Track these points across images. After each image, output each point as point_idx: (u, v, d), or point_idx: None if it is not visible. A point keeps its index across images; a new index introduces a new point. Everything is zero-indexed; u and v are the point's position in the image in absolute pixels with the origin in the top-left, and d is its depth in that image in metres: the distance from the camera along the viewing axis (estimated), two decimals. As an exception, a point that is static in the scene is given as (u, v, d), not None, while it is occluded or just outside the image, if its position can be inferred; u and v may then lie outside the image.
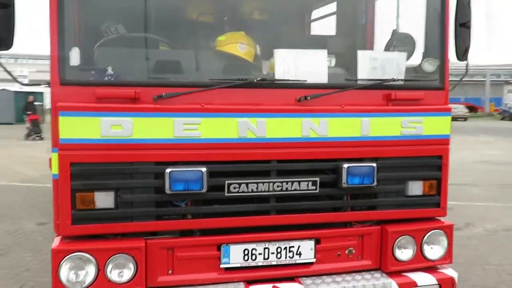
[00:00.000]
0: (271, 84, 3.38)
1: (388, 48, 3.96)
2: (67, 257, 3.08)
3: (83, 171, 3.09)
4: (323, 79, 3.48)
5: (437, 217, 3.82)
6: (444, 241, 3.74)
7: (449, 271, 3.77)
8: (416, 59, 3.88)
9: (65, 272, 3.08)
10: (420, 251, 3.69)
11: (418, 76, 3.81)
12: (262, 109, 3.31)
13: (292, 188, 3.40)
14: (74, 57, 3.15)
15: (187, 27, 3.71)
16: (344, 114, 3.46)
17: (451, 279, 3.72)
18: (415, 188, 3.70)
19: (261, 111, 3.31)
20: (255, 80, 3.31)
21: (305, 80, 3.40)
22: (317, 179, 3.43)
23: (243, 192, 3.31)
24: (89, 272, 3.12)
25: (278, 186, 3.37)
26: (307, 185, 3.42)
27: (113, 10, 3.55)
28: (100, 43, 3.39)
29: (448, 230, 3.76)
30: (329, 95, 3.42)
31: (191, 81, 3.30)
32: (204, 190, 3.18)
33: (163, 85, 3.21)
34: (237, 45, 3.48)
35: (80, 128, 3.06)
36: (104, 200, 3.15)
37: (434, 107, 3.65)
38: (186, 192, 3.18)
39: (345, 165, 3.42)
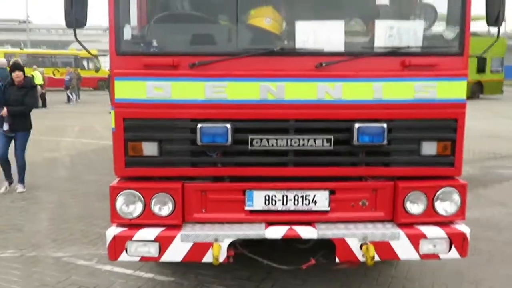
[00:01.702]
0: (291, 52, 3.86)
1: (410, 16, 4.20)
2: (121, 193, 3.89)
3: (133, 124, 3.85)
4: (340, 47, 3.88)
5: (451, 176, 4.06)
6: (456, 198, 3.98)
7: (461, 227, 4.03)
8: (439, 26, 4.12)
9: (120, 204, 3.90)
10: (431, 206, 3.98)
11: (440, 43, 4.04)
12: (281, 74, 3.81)
13: (308, 144, 3.88)
14: (127, 32, 3.89)
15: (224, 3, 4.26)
16: (357, 79, 3.83)
17: (462, 234, 3.98)
18: (429, 148, 3.97)
19: (280, 76, 3.81)
20: (275, 49, 3.81)
21: (323, 49, 3.83)
22: (331, 136, 3.87)
23: (264, 146, 3.86)
24: (137, 206, 3.91)
25: (295, 142, 3.87)
26: (322, 142, 3.88)
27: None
28: (150, 22, 4.09)
29: (461, 189, 3.99)
30: (348, 61, 3.82)
31: (221, 51, 3.89)
32: (229, 143, 3.80)
33: (197, 54, 3.83)
34: (263, 19, 3.99)
35: (130, 90, 3.81)
36: (149, 148, 3.89)
37: (447, 72, 3.88)
38: (214, 144, 3.82)
39: (356, 125, 3.82)
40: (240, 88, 3.81)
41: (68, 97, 28.10)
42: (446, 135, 3.96)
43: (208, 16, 4.16)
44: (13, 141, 8.18)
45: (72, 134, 15.68)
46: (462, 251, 4.01)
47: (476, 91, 30.51)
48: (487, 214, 7.09)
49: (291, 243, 4.19)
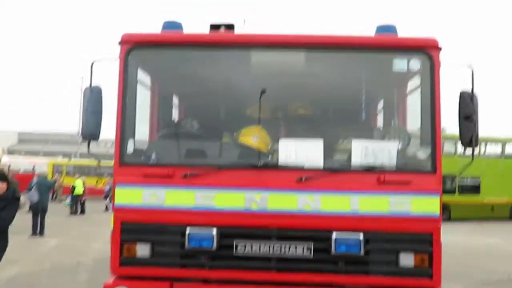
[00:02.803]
0: (274, 166, 4.28)
1: (386, 138, 4.60)
2: (114, 291, 4.19)
3: (129, 228, 4.25)
4: (319, 163, 4.27)
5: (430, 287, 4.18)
6: None
7: None
8: (413, 147, 4.49)
9: (112, 302, 4.18)
10: (410, 320, 4.08)
11: (414, 162, 4.39)
12: (264, 186, 4.20)
13: (290, 252, 4.15)
14: (130, 147, 4.44)
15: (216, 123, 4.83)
16: (335, 192, 4.17)
17: None
18: (407, 259, 4.16)
19: (264, 188, 4.19)
20: (258, 165, 4.24)
21: (303, 165, 4.24)
22: (311, 245, 4.14)
23: (248, 252, 4.15)
24: (129, 306, 4.17)
25: (277, 249, 4.15)
26: (302, 250, 4.14)
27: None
28: (150, 140, 4.67)
29: (440, 302, 4.10)
30: (327, 176, 4.19)
31: (211, 164, 4.35)
32: (214, 248, 4.11)
33: (191, 166, 4.29)
34: (251, 137, 4.48)
35: (129, 196, 4.26)
36: (142, 250, 4.24)
37: (421, 188, 4.17)
38: (201, 248, 4.14)
39: (334, 235, 4.09)
40: (227, 198, 4.20)
41: (106, 206, 29.06)
42: (423, 248, 4.15)
43: (203, 133, 4.70)
44: None
45: (103, 239, 16.11)
46: None
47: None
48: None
49: None
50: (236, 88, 4.79)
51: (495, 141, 26.83)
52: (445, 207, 24.96)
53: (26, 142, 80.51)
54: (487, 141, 25.91)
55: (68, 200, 23.67)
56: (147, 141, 4.84)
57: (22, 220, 16.66)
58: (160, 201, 4.23)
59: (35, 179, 15.62)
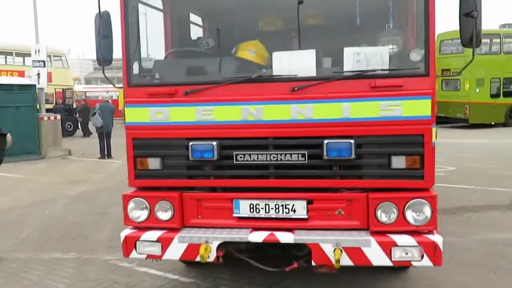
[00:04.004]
0: (269, 79, 4.44)
1: (380, 42, 4.56)
2: (131, 200, 4.67)
3: (140, 143, 4.64)
4: (312, 73, 4.38)
5: (423, 188, 4.32)
6: (426, 209, 4.23)
7: (433, 236, 4.25)
8: (406, 49, 4.47)
9: (130, 210, 4.67)
10: (403, 216, 4.26)
11: (406, 65, 4.38)
12: (259, 98, 4.39)
13: (285, 159, 4.39)
14: (136, 68, 4.74)
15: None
16: (326, 100, 4.29)
17: (433, 243, 4.21)
18: (398, 162, 4.28)
19: (258, 100, 4.39)
20: (253, 77, 4.42)
21: (296, 75, 4.37)
22: (305, 152, 4.36)
23: (247, 160, 4.44)
24: (144, 212, 4.65)
25: (274, 157, 4.40)
26: (297, 156, 4.37)
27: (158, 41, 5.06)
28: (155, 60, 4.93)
29: (431, 200, 4.24)
30: (319, 85, 4.31)
31: (210, 80, 4.57)
32: (216, 158, 4.43)
33: (191, 83, 4.54)
34: (247, 51, 4.62)
35: (137, 115, 4.61)
36: (153, 163, 4.65)
37: (411, 92, 4.20)
38: (203, 159, 4.47)
39: (326, 141, 4.27)
40: (225, 111, 4.45)
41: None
42: (414, 149, 4.25)
43: (210, 51, 4.90)
44: None
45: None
46: (435, 260, 4.22)
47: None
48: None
49: (288, 250, 4.67)
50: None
51: None
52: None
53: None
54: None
55: None
56: (154, 61, 5.10)
57: (94, 144, 18.07)
58: (165, 118, 4.55)
59: (97, 105, 16.54)
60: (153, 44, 5.16)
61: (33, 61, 17.63)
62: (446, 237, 6.29)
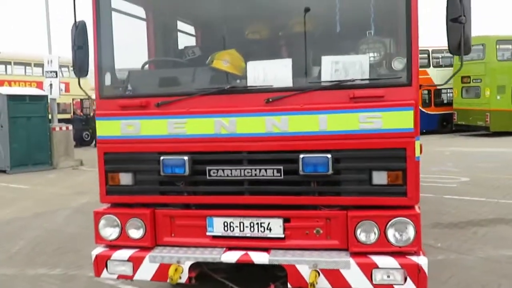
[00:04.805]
0: (243, 90, 4.21)
1: (360, 51, 4.29)
2: (102, 217, 4.48)
3: (111, 158, 4.45)
4: (288, 83, 4.14)
5: (406, 206, 4.02)
6: (409, 228, 3.94)
7: (418, 258, 3.95)
8: (387, 58, 4.19)
9: (101, 227, 4.48)
10: (384, 236, 3.98)
11: (388, 75, 4.11)
12: (232, 110, 4.16)
13: (260, 174, 4.15)
14: (107, 79, 4.56)
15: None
16: (302, 112, 4.04)
17: (417, 265, 3.91)
18: (380, 177, 4.00)
19: (232, 112, 4.16)
20: (226, 88, 4.19)
21: (272, 85, 4.13)
22: (281, 167, 4.11)
23: (220, 176, 4.21)
24: (115, 229, 4.45)
25: (248, 172, 4.16)
26: (273, 172, 4.12)
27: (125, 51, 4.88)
28: (129, 70, 4.74)
29: (415, 219, 3.94)
30: (295, 96, 4.07)
31: (183, 91, 4.36)
32: (187, 173, 4.21)
33: (163, 95, 4.34)
34: (221, 61, 4.40)
35: (108, 128, 4.43)
36: (125, 178, 4.45)
37: (391, 103, 3.92)
38: (174, 174, 4.26)
39: (301, 156, 4.02)
40: (197, 124, 4.23)
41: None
42: (396, 164, 3.97)
43: (175, 61, 4.69)
44: None
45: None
46: (419, 283, 3.92)
47: None
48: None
49: (270, 271, 4.42)
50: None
51: None
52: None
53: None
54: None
55: None
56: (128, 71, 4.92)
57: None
58: (136, 131, 4.35)
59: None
60: (129, 54, 4.99)
61: (45, 71, 17.70)
62: (448, 254, 6.04)
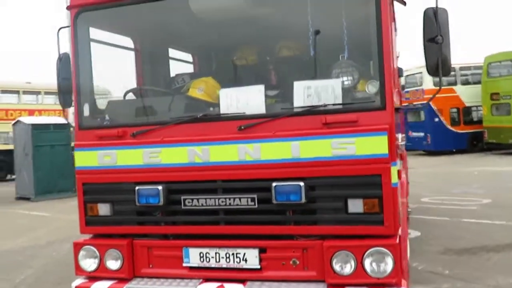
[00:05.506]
0: (216, 117, 4.16)
1: (333, 75, 4.18)
2: (82, 248, 4.45)
3: (89, 188, 4.44)
4: (261, 110, 4.06)
5: (384, 235, 3.84)
6: (387, 259, 3.76)
7: (398, 291, 3.76)
8: (360, 82, 4.07)
9: (80, 258, 4.45)
10: (361, 267, 3.81)
11: (361, 99, 3.98)
12: (204, 138, 4.11)
13: (235, 203, 4.06)
14: (86, 110, 4.58)
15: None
16: (274, 139, 3.95)
17: (397, 299, 3.72)
18: (355, 206, 3.85)
19: (204, 140, 4.11)
20: (198, 116, 4.15)
21: (244, 112, 4.06)
22: (255, 196, 4.01)
23: (195, 205, 4.14)
24: (94, 260, 4.42)
25: (223, 202, 4.08)
26: (247, 201, 4.03)
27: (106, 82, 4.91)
28: (108, 100, 4.76)
29: (392, 249, 3.76)
30: (268, 122, 3.99)
31: (158, 121, 4.33)
32: (162, 203, 4.15)
33: (139, 125, 4.33)
34: (196, 89, 4.36)
35: (86, 158, 4.43)
36: (103, 209, 4.43)
37: (364, 128, 3.79)
38: (149, 204, 4.21)
39: (274, 184, 3.91)
40: (171, 153, 4.19)
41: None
42: (372, 191, 3.82)
43: (151, 91, 4.69)
44: None
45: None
46: (399, 317, 3.73)
47: None
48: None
49: None
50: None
51: None
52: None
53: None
54: None
55: None
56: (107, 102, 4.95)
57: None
58: (113, 161, 4.34)
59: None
60: (109, 84, 5.02)
61: (70, 101, 18.09)
62: (455, 282, 5.74)
